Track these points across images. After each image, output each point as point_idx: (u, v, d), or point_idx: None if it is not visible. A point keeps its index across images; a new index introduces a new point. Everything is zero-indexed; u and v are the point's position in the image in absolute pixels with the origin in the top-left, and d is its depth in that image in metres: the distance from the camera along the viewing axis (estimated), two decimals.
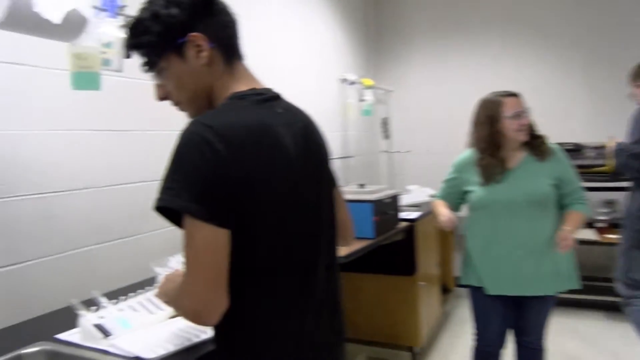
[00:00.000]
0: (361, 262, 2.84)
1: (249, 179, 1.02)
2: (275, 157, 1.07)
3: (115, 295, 1.73)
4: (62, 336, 1.52)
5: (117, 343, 1.43)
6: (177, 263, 1.84)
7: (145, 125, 2.34)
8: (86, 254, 2.06)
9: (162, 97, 1.19)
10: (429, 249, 3.76)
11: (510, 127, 2.31)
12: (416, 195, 4.12)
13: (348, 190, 3.01)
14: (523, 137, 2.33)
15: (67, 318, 1.61)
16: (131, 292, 1.74)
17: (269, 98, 1.16)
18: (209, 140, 0.99)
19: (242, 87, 1.15)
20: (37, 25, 1.48)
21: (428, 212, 3.55)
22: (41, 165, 1.88)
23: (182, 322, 1.59)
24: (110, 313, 1.56)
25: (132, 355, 1.36)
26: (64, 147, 1.97)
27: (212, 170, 0.98)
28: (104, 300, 1.61)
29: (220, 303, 1.00)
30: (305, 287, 1.13)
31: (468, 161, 2.48)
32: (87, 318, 1.49)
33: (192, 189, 0.98)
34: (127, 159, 2.26)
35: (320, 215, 1.19)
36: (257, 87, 1.18)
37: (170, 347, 1.40)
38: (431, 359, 3.57)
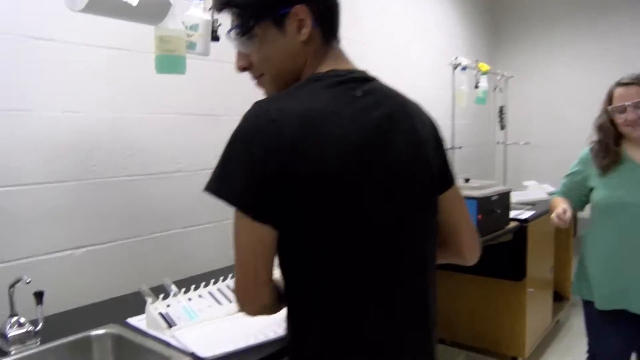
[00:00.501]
0: None
1: (295, 175, 0.88)
2: (328, 153, 0.90)
3: (199, 280, 1.70)
4: (132, 321, 1.52)
5: (179, 335, 1.39)
6: None
7: (232, 110, 2.30)
8: (175, 237, 2.08)
9: (243, 68, 1.08)
10: (542, 252, 3.39)
11: (618, 121, 2.02)
12: (533, 192, 3.73)
13: None
14: (633, 132, 2.00)
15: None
16: (214, 278, 1.70)
17: (349, 79, 1.00)
18: (263, 129, 0.89)
19: (327, 68, 1.02)
20: (117, 8, 1.46)
21: (544, 211, 3.19)
22: (133, 148, 1.91)
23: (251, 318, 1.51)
24: (179, 302, 1.53)
25: (189, 351, 1.30)
26: (153, 130, 2.00)
27: (258, 164, 0.89)
28: (174, 288, 1.59)
29: (261, 297, 0.97)
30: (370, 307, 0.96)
31: None
32: (155, 306, 1.47)
33: (238, 180, 0.90)
34: (214, 143, 2.24)
35: (388, 233, 0.97)
36: (344, 68, 1.03)
37: (231, 346, 1.32)
38: None
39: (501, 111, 4.45)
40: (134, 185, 1.94)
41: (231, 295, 1.63)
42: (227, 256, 2.18)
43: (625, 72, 2.08)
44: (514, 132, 4.53)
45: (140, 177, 1.97)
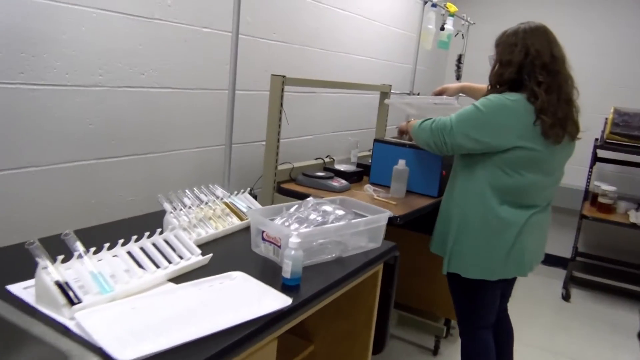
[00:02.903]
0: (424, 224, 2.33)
1: None
2: None
3: (113, 231, 1.27)
4: (15, 289, 1.08)
5: (82, 319, 0.97)
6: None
7: None
8: (83, 170, 1.61)
9: None
10: None
11: None
12: None
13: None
14: None
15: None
16: (136, 230, 1.28)
17: None
18: None
19: None
20: None
21: None
22: None
23: (190, 288, 1.13)
24: (84, 265, 1.10)
25: (96, 345, 0.90)
26: None
27: None
28: (79, 247, 1.15)
29: None
30: None
31: None
32: (49, 270, 1.04)
33: None
34: None
35: None
36: None
37: (158, 343, 0.93)
38: None
39: (459, 60, 4.17)
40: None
41: (160, 258, 1.23)
42: (152, 199, 1.74)
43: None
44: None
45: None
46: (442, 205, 1.99)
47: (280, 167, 2.36)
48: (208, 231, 1.49)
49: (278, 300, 1.11)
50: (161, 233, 1.31)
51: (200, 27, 2.07)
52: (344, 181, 2.36)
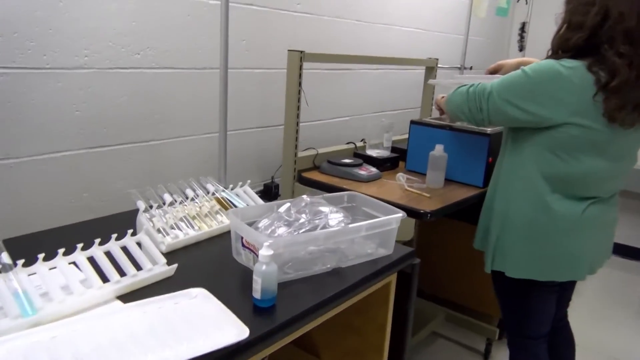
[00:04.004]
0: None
1: None
2: None
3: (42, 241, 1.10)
4: None
5: None
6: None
7: None
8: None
9: None
10: None
11: None
12: None
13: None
14: None
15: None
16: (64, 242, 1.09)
17: None
18: None
19: None
20: None
21: None
22: None
23: (134, 310, 0.93)
24: (9, 282, 0.92)
25: None
26: None
27: None
28: (4, 258, 0.97)
29: None
30: None
31: None
32: None
33: None
34: None
35: None
36: None
37: None
38: None
39: (522, 29, 3.71)
40: None
41: (110, 270, 1.03)
42: (86, 205, 1.56)
43: None
44: (535, 57, 3.81)
45: None
46: (487, 194, 1.69)
47: (302, 154, 2.11)
48: (189, 233, 1.28)
49: (233, 332, 0.87)
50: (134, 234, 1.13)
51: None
52: (373, 169, 2.08)
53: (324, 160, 2.12)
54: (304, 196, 1.24)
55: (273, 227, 1.17)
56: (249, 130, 2.15)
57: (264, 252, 0.97)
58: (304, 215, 1.14)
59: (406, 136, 2.24)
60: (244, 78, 2.07)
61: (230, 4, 1.93)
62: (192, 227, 1.31)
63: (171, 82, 1.80)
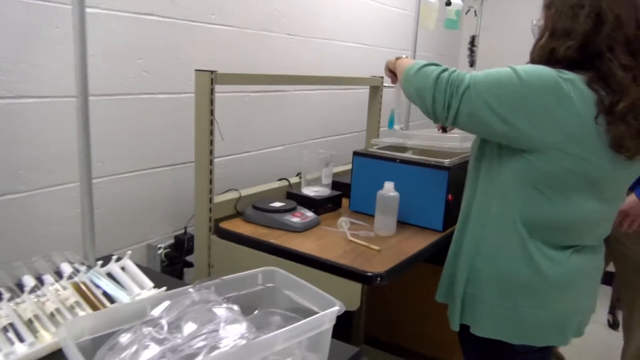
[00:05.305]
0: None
1: None
2: None
3: None
4: None
5: None
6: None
7: None
8: None
9: None
10: None
11: None
12: None
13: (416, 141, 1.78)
14: None
15: None
16: None
17: None
18: None
19: None
20: None
21: None
22: None
23: None
24: None
25: None
26: None
27: None
28: None
29: None
30: None
31: None
32: None
33: None
34: None
35: None
36: None
37: None
38: None
39: (472, 43, 3.46)
40: None
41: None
42: (18, 246, 1.10)
43: None
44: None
45: None
46: (454, 237, 1.34)
47: (220, 198, 1.69)
48: (14, 351, 0.84)
49: None
50: None
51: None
52: (310, 213, 1.69)
53: (249, 205, 1.70)
54: (192, 289, 0.82)
55: (136, 347, 0.74)
56: (156, 170, 1.72)
57: None
58: (181, 333, 0.72)
59: (349, 166, 1.87)
60: (140, 106, 1.64)
61: (119, 13, 1.52)
62: (22, 339, 0.86)
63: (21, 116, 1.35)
